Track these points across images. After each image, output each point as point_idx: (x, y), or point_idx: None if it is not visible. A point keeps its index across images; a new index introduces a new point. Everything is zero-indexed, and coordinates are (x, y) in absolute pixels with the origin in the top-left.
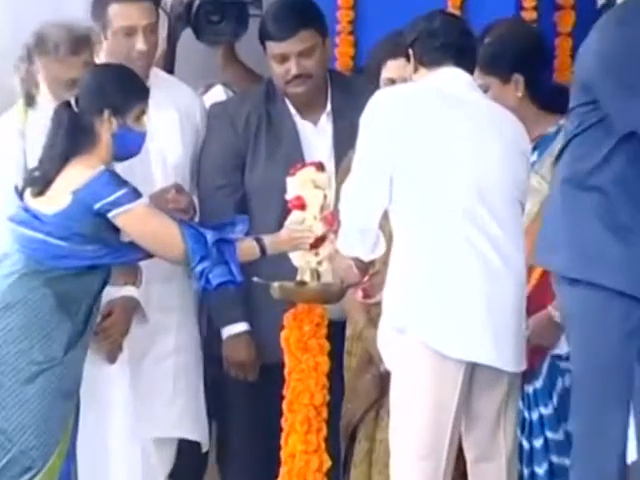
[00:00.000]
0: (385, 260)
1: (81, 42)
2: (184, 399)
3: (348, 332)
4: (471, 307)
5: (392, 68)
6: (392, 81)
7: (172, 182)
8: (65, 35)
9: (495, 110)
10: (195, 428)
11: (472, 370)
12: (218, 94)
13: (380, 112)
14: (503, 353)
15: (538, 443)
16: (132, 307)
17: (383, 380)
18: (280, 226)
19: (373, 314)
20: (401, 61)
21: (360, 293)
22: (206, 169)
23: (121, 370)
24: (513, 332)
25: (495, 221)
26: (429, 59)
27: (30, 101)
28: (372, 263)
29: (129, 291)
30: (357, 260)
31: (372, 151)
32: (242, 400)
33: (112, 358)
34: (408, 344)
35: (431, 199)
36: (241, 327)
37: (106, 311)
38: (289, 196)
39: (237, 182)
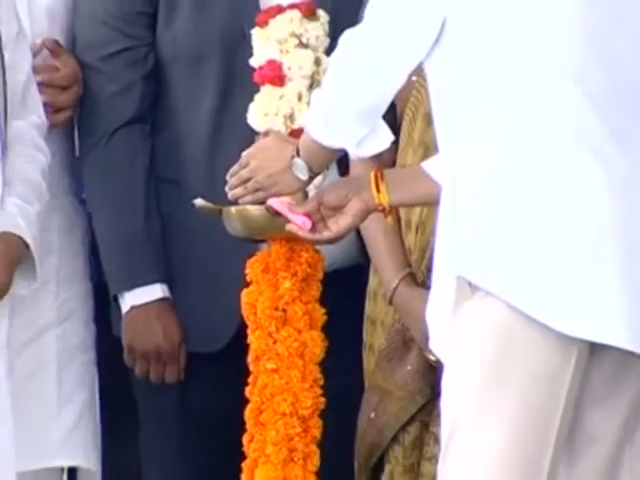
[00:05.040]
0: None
1: None
2: (75, 405)
3: (371, 284)
4: (595, 249)
5: None
6: None
7: (44, 37)
8: None
9: None
10: (87, 452)
11: (589, 357)
12: None
13: None
14: None
15: None
16: (17, 250)
17: (432, 375)
18: (221, 118)
19: (420, 263)
20: None
21: (301, 220)
22: (85, 23)
23: None
24: None
25: (626, 105)
26: None
27: None
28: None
29: (15, 226)
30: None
31: None
32: (160, 415)
33: None
34: (482, 312)
35: (518, 57)
36: (153, 292)
37: None
38: (256, 61)
39: (143, 45)
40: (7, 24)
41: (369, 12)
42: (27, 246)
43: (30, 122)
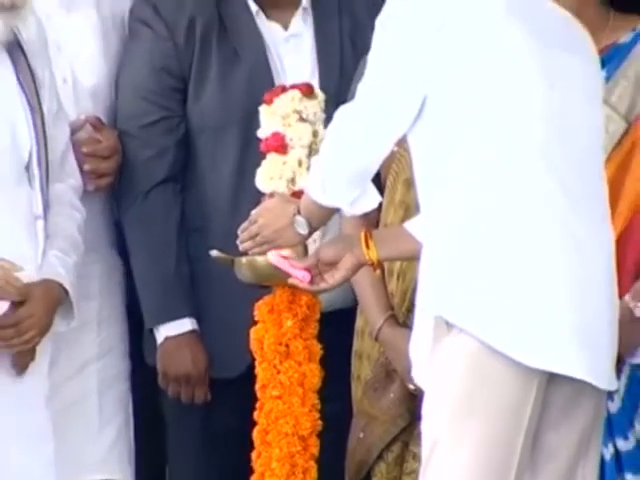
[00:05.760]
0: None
1: None
2: (113, 427)
3: (359, 324)
4: (553, 293)
5: None
6: None
7: (88, 114)
8: None
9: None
10: (123, 466)
11: (547, 386)
12: None
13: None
14: (594, 361)
15: None
16: (57, 295)
17: (412, 402)
18: (240, 178)
19: (401, 306)
20: None
21: (302, 274)
22: (127, 97)
23: (36, 388)
24: (606, 331)
25: (577, 172)
26: None
27: None
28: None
29: (56, 274)
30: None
31: (400, 56)
32: (187, 432)
33: (22, 367)
34: (457, 347)
35: (490, 133)
36: (184, 325)
37: (20, 297)
38: (263, 133)
39: (175, 116)
40: (49, 103)
41: (360, 90)
42: (66, 291)
43: (68, 185)
